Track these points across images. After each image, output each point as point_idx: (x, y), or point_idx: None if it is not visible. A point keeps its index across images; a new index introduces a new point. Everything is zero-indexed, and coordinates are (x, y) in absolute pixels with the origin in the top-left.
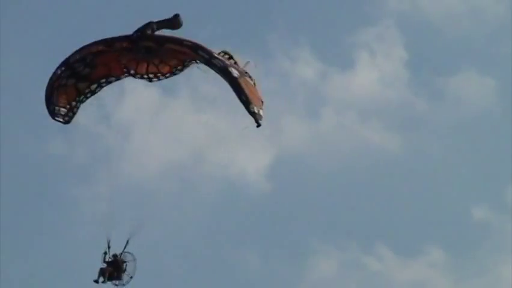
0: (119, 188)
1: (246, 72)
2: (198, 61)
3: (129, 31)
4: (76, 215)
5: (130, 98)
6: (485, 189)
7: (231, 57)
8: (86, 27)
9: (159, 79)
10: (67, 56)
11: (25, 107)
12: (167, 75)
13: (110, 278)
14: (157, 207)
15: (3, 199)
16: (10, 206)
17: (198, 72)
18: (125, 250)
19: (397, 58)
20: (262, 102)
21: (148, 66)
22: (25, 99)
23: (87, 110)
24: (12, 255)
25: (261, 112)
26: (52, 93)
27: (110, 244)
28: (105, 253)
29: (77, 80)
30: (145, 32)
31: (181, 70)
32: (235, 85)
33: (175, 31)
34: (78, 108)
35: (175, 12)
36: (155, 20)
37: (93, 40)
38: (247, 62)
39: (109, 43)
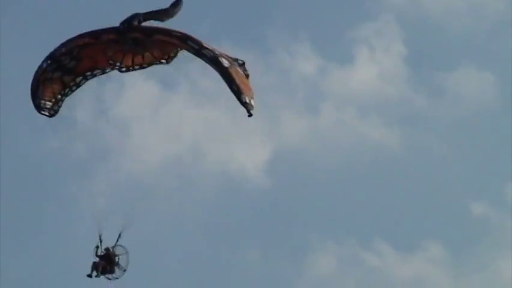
0: (118, 183)
1: (237, 62)
2: (188, 52)
3: None
4: (75, 212)
5: (129, 93)
6: (485, 185)
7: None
8: (86, 27)
9: (144, 68)
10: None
11: (22, 103)
12: (155, 63)
13: (103, 271)
14: (156, 202)
15: (1, 196)
16: (8, 202)
17: (196, 67)
18: (118, 243)
19: (396, 54)
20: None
21: (134, 57)
22: (22, 96)
23: (86, 105)
24: (11, 252)
25: (253, 102)
26: (38, 87)
27: (102, 238)
28: (97, 247)
29: (63, 73)
30: (132, 24)
31: (169, 61)
32: (226, 75)
33: (163, 23)
34: (63, 101)
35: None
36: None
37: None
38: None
39: (95, 35)
